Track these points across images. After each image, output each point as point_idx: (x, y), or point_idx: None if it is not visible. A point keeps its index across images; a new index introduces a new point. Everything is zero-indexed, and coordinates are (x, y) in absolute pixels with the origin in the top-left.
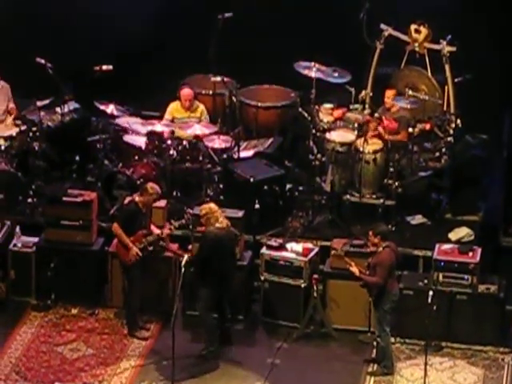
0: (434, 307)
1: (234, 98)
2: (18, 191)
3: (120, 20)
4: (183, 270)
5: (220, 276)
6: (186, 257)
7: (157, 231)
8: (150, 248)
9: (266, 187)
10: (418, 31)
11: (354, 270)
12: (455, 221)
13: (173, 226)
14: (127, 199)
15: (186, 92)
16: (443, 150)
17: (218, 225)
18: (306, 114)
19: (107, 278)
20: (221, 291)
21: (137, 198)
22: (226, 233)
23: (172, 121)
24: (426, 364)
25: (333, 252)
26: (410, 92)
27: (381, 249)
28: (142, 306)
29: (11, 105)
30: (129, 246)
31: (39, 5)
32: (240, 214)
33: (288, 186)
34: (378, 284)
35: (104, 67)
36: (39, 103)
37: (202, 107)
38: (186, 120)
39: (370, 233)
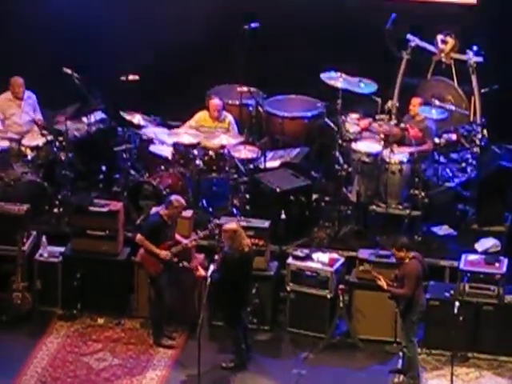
0: (461, 318)
1: (260, 109)
2: (44, 201)
3: (148, 32)
4: (209, 280)
5: (242, 292)
6: (212, 267)
7: (183, 241)
8: (176, 259)
9: (292, 197)
10: (444, 42)
11: (382, 283)
12: (481, 231)
13: (198, 236)
14: (153, 210)
15: (215, 102)
16: (469, 160)
17: (241, 247)
18: (332, 125)
19: (133, 288)
20: (243, 304)
21: (162, 211)
22: (248, 254)
23: (197, 128)
24: (452, 375)
25: (360, 268)
26: (437, 102)
27: (407, 260)
28: (168, 315)
29: (38, 115)
30: (156, 253)
31: (66, 16)
32: (266, 224)
33: (314, 197)
34: (406, 295)
35: (130, 77)
36: (66, 113)
37: (230, 118)
38: (214, 130)
39: (394, 250)
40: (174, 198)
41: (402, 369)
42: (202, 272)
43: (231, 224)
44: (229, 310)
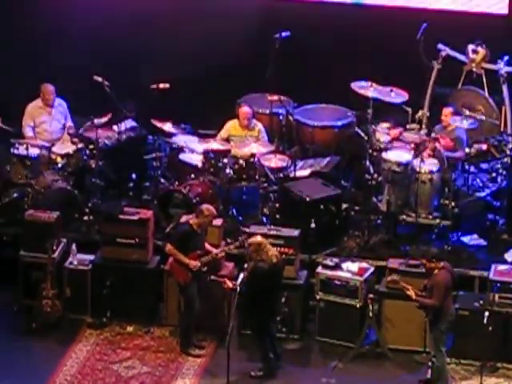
0: (490, 328)
1: (290, 117)
2: (74, 209)
3: (179, 40)
4: (238, 289)
5: (271, 301)
6: (241, 276)
7: (213, 250)
8: (205, 269)
9: (322, 206)
10: (475, 51)
11: (411, 293)
12: (511, 241)
13: (228, 247)
14: (183, 219)
15: (244, 110)
16: (500, 170)
17: (268, 258)
18: (362, 134)
19: (163, 297)
20: (271, 314)
21: (192, 220)
22: (276, 265)
23: (227, 139)
24: None
25: (389, 278)
26: (467, 112)
27: (437, 271)
28: (197, 324)
29: (69, 123)
30: (186, 262)
31: (95, 23)
32: (296, 233)
33: (344, 206)
34: (434, 306)
35: (161, 85)
36: (96, 121)
37: (259, 126)
38: (244, 138)
39: (424, 261)
40: (204, 206)
41: (431, 379)
42: (229, 284)
43: (255, 237)
44: (257, 319)
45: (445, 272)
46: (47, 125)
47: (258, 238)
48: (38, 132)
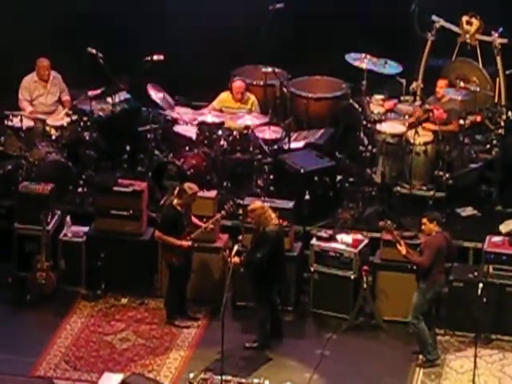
0: (484, 299)
1: (284, 89)
2: (68, 181)
3: (171, 16)
4: (233, 260)
5: (277, 271)
6: (235, 247)
7: (202, 225)
8: (196, 245)
9: (316, 178)
10: (469, 23)
11: (402, 248)
12: (506, 213)
13: (215, 218)
14: (165, 201)
15: (237, 84)
16: (494, 141)
17: (273, 221)
18: (356, 106)
19: (157, 268)
20: (277, 285)
21: (175, 201)
22: (281, 228)
23: (220, 111)
24: (475, 356)
25: (381, 223)
26: (462, 84)
27: (434, 233)
28: (191, 296)
29: (65, 96)
30: (178, 244)
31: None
32: (290, 204)
33: (338, 178)
34: (422, 264)
35: (155, 57)
36: (90, 93)
37: (253, 98)
38: (237, 111)
39: (425, 220)
40: (186, 185)
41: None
42: (237, 260)
43: (255, 203)
44: (263, 287)
45: (441, 236)
46: (43, 98)
47: (258, 203)
48: (33, 105)
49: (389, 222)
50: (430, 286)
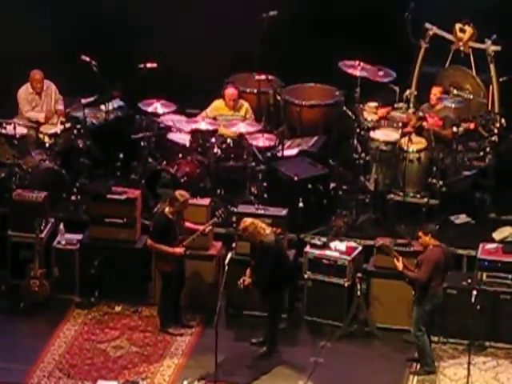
0: (478, 307)
1: (278, 97)
2: (62, 188)
3: (163, 20)
4: (227, 268)
5: (285, 275)
6: (229, 255)
7: (199, 228)
8: (188, 252)
9: (309, 186)
10: (462, 30)
11: (399, 264)
12: (499, 220)
13: (206, 225)
14: (157, 210)
15: (230, 91)
16: (487, 149)
17: (267, 231)
18: (350, 113)
19: (151, 276)
20: (287, 289)
21: (166, 209)
22: (276, 234)
23: (214, 119)
24: (469, 364)
25: (380, 241)
26: (455, 91)
27: (431, 247)
28: (185, 304)
29: (59, 106)
30: (171, 252)
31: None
32: (284, 212)
33: (332, 185)
34: (419, 280)
35: (149, 65)
36: (84, 101)
37: (246, 105)
38: (230, 118)
39: (420, 233)
40: (177, 193)
41: (417, 357)
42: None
43: (245, 221)
44: (277, 294)
45: (438, 250)
46: (39, 108)
47: (247, 220)
48: (29, 116)
49: (387, 240)
50: (429, 298)
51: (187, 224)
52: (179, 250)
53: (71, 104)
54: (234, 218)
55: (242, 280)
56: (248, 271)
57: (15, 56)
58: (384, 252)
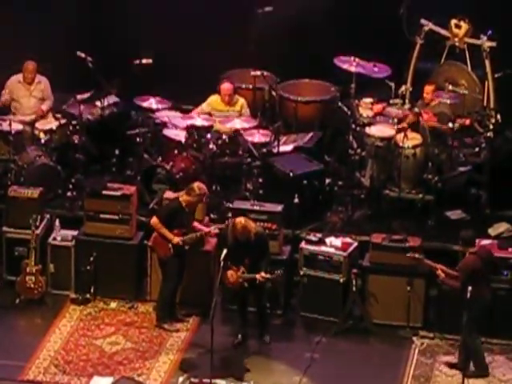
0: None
1: (273, 93)
2: (57, 185)
3: (158, 17)
4: (222, 263)
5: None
6: (224, 251)
7: (203, 228)
8: (186, 247)
9: (305, 182)
10: (458, 26)
11: (440, 273)
12: (495, 216)
13: (213, 228)
14: (172, 196)
15: (225, 87)
16: (483, 145)
17: (252, 224)
18: (345, 109)
19: (146, 272)
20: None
21: (182, 197)
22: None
23: (209, 114)
24: (466, 361)
25: (409, 254)
26: (450, 87)
27: (467, 254)
28: (181, 299)
29: (44, 106)
30: (169, 237)
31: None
32: (279, 208)
33: (327, 181)
34: (455, 287)
35: (144, 61)
36: (79, 97)
37: (242, 101)
38: (226, 114)
39: (459, 246)
40: (196, 184)
41: (457, 363)
42: (265, 276)
43: (239, 220)
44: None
45: (473, 257)
46: (25, 100)
47: (241, 220)
48: (14, 106)
49: (416, 255)
50: (472, 303)
51: (195, 223)
52: (177, 239)
53: (67, 100)
54: (229, 214)
55: (236, 278)
56: (241, 270)
57: (14, 55)
58: (418, 262)
